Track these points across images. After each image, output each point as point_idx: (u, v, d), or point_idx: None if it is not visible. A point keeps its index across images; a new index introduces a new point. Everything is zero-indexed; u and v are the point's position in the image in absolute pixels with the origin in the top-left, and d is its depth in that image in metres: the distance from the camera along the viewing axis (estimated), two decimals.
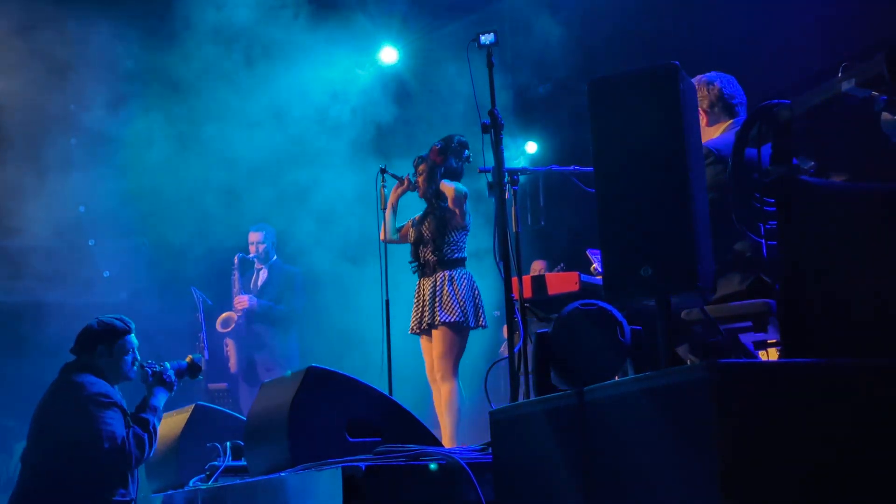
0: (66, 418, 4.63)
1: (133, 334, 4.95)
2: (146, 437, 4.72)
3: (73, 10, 8.36)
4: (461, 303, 5.66)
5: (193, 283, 8.46)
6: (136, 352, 4.96)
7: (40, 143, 8.34)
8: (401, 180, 6.09)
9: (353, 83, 9.27)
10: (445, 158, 5.97)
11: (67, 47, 8.40)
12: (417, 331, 5.86)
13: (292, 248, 8.68)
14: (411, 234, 6.04)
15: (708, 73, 4.34)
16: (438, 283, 5.74)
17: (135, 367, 4.94)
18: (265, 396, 4.60)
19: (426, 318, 5.76)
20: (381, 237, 6.03)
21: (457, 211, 5.85)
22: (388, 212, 6.03)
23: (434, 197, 5.97)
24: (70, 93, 8.62)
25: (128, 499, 4.67)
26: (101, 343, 4.84)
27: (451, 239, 5.84)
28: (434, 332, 5.74)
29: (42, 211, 8.44)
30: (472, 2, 9.08)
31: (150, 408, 4.87)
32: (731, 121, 4.21)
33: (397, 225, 6.13)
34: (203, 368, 5.06)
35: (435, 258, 5.83)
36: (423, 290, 5.84)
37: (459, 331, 5.69)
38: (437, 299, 5.72)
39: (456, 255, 5.84)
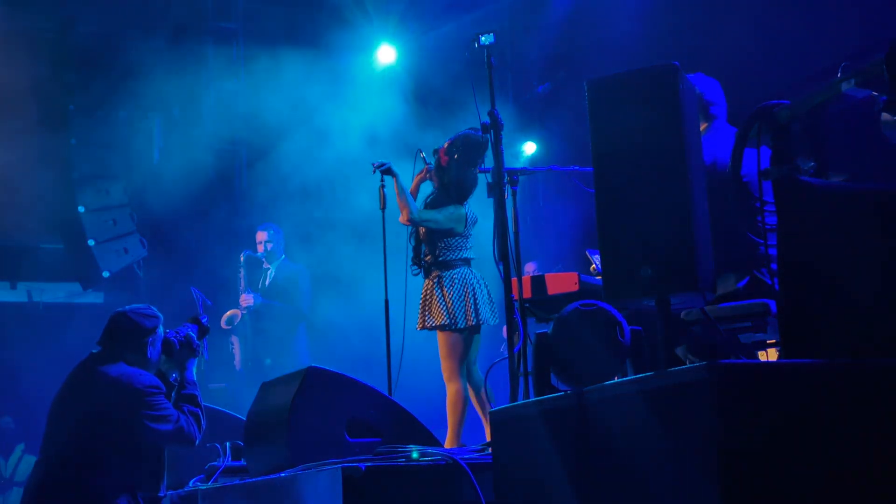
0: (114, 411, 4.48)
1: (161, 325, 4.82)
2: (199, 411, 4.64)
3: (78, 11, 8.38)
4: (448, 305, 5.64)
5: (194, 283, 8.46)
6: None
7: (40, 142, 8.33)
8: (427, 167, 5.99)
9: (352, 82, 9.27)
10: (452, 160, 5.83)
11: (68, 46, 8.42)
12: (420, 327, 5.86)
13: (299, 247, 8.67)
14: (412, 234, 5.99)
15: (690, 75, 4.33)
16: (431, 286, 5.75)
17: (159, 352, 4.79)
18: (265, 396, 4.60)
19: (424, 319, 5.78)
20: (403, 219, 5.85)
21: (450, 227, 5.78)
22: (409, 194, 5.87)
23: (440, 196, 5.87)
24: (70, 92, 8.62)
25: (161, 494, 4.63)
26: (132, 337, 4.70)
27: (446, 243, 5.80)
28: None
29: (42, 211, 8.44)
30: (472, 1, 9.07)
31: (190, 382, 4.77)
32: (705, 125, 4.23)
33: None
34: (202, 367, 4.98)
35: (430, 259, 5.82)
36: (423, 290, 5.84)
37: (449, 333, 5.67)
38: (428, 303, 5.73)
39: (451, 256, 5.78)
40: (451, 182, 5.83)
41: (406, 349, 5.89)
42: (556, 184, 9.49)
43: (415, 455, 3.54)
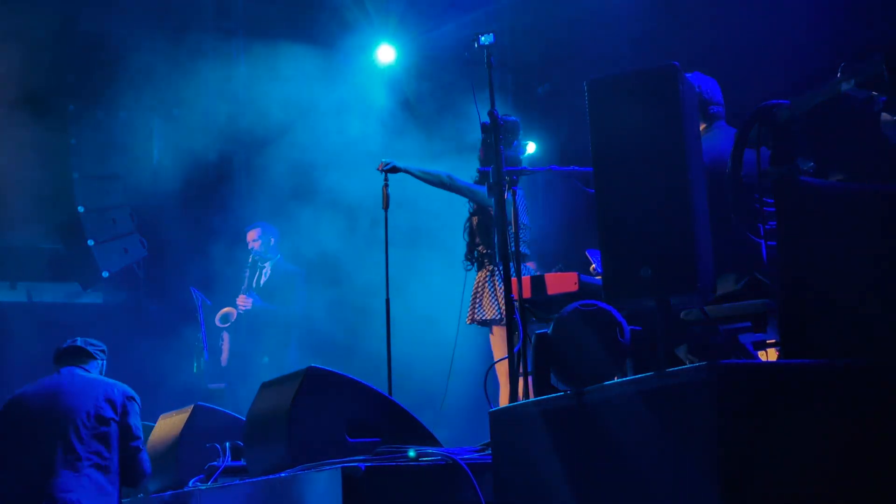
0: (116, 408, 4.74)
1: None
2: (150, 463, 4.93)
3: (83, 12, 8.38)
4: (499, 298, 5.64)
5: (193, 283, 8.45)
6: None
7: (40, 142, 8.32)
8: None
9: (352, 82, 9.26)
10: (486, 146, 5.84)
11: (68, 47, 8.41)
12: (469, 321, 5.83)
13: (299, 246, 8.66)
14: (466, 227, 5.98)
15: (688, 74, 4.32)
16: (484, 278, 5.74)
17: None
18: (265, 396, 4.60)
19: (474, 313, 5.76)
20: (443, 187, 5.85)
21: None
22: (428, 168, 5.88)
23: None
24: (70, 91, 8.61)
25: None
26: (98, 354, 4.99)
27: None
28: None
29: (42, 211, 8.43)
30: (472, 1, 9.07)
31: None
32: (705, 125, 4.23)
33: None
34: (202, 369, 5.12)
35: (484, 251, 5.82)
36: (476, 282, 5.82)
37: (502, 328, 5.65)
38: (480, 296, 5.72)
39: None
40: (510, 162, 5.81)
41: (406, 348, 5.88)
42: (556, 184, 9.49)
43: (411, 454, 3.54)
